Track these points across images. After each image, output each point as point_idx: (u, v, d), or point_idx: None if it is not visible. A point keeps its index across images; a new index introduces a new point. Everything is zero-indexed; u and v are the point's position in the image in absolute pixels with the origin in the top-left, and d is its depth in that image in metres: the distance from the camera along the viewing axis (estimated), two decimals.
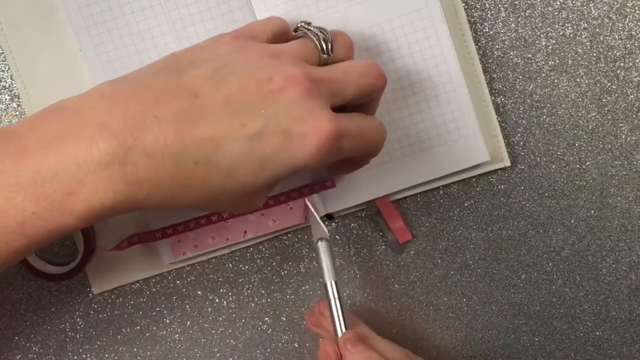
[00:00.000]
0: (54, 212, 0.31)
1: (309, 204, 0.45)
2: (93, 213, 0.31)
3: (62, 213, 0.31)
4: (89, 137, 0.31)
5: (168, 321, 0.48)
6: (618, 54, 0.47)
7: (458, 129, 0.46)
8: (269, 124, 0.33)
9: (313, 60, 0.38)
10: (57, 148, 0.31)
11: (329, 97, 0.36)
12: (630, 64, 0.48)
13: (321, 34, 0.39)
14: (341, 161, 0.39)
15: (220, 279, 0.48)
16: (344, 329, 0.42)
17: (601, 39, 0.47)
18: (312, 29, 0.39)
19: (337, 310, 0.42)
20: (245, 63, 0.35)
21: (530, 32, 0.47)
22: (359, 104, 0.39)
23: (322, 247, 0.43)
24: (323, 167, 0.38)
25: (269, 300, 0.49)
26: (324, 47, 0.38)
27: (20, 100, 0.46)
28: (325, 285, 0.42)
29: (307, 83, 0.35)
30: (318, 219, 0.44)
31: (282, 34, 0.41)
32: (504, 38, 0.47)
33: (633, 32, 0.47)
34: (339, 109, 0.37)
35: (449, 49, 0.45)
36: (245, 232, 0.46)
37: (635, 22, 0.47)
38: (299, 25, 0.40)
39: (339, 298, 0.42)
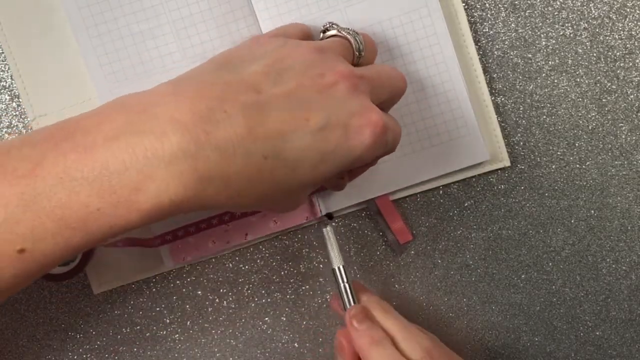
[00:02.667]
0: (119, 209, 0.30)
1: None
2: (159, 210, 0.30)
3: (127, 210, 0.30)
4: (160, 132, 0.30)
5: (168, 321, 0.48)
6: (618, 54, 0.47)
7: (458, 128, 0.46)
8: (330, 118, 0.34)
9: (348, 59, 0.39)
10: (126, 142, 0.30)
11: (369, 94, 0.37)
12: (630, 64, 0.48)
13: (355, 34, 0.40)
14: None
15: (220, 279, 0.48)
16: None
17: (601, 39, 0.47)
18: (344, 28, 0.40)
19: (345, 294, 0.43)
20: (295, 59, 0.35)
21: (530, 32, 0.47)
22: (382, 107, 0.40)
23: (327, 232, 0.44)
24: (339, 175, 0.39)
25: (269, 300, 0.48)
26: (359, 46, 0.39)
27: (20, 100, 0.46)
28: (333, 270, 0.43)
29: (354, 79, 0.36)
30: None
31: (309, 38, 0.41)
32: (504, 38, 0.47)
33: (633, 32, 0.47)
34: None
35: (449, 48, 0.45)
36: (246, 234, 0.46)
37: (635, 22, 0.47)
38: (329, 25, 0.41)
39: (347, 281, 0.43)
